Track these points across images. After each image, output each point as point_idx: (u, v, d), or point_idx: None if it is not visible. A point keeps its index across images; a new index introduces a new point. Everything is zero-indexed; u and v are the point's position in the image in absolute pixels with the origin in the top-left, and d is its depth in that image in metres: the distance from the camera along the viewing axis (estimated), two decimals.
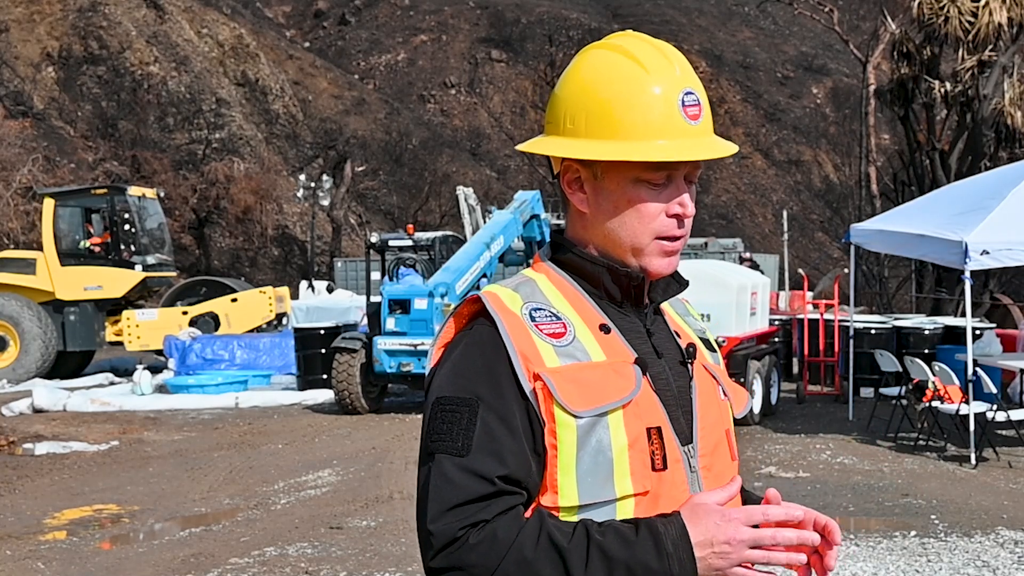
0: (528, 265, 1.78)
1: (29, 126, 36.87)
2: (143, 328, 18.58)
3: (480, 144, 59.79)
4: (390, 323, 12.74)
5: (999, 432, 10.35)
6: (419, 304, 12.63)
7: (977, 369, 9.72)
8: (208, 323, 19.03)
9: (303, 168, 42.25)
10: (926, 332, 13.72)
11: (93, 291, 18.51)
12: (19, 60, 41.72)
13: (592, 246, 1.63)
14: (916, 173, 19.78)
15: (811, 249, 52.52)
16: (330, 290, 25.12)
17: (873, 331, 13.72)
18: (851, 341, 12.70)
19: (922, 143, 19.61)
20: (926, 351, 12.87)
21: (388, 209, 48.33)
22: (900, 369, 10.71)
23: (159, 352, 18.06)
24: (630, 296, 1.62)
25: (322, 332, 15.15)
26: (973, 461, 9.30)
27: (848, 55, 38.44)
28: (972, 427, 9.31)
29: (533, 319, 1.55)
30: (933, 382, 9.97)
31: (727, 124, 62.06)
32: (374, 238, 15.11)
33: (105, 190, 19.85)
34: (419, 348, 12.41)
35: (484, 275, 13.43)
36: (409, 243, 14.64)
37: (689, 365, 1.65)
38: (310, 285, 26.12)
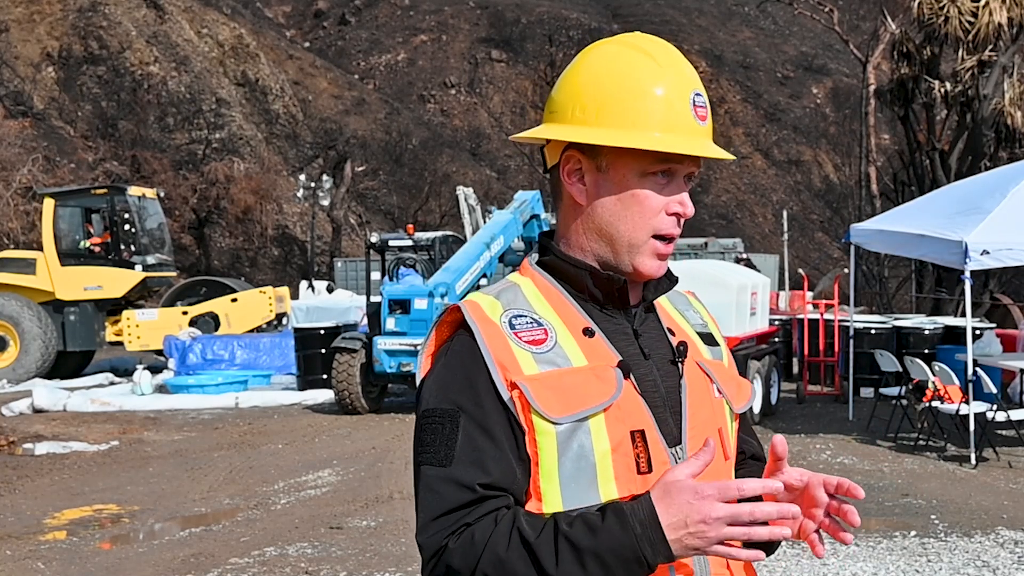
0: None
1: (29, 126, 36.88)
2: (143, 328, 18.58)
3: (480, 144, 59.79)
4: (390, 323, 12.74)
5: (999, 432, 10.36)
6: (419, 304, 12.62)
7: (977, 369, 9.72)
8: (208, 323, 19.03)
9: (303, 168, 42.26)
10: (926, 332, 13.72)
11: (93, 291, 18.52)
12: (19, 60, 41.73)
13: (583, 241, 1.62)
14: (916, 173, 19.78)
15: (811, 249, 52.52)
16: (330, 290, 25.11)
17: (873, 331, 13.72)
18: (851, 341, 12.70)
19: (922, 143, 19.62)
20: (926, 351, 12.87)
21: (388, 209, 48.33)
22: (900, 369, 10.71)
23: (159, 352, 18.06)
24: (613, 298, 1.61)
25: (322, 332, 15.15)
26: (973, 461, 9.30)
27: (848, 55, 38.45)
28: (972, 427, 9.31)
29: (513, 327, 1.55)
30: (933, 382, 9.97)
31: (727, 124, 62.07)
32: (374, 238, 15.11)
33: (105, 190, 19.85)
34: (419, 348, 12.40)
35: (484, 275, 13.42)
36: (409, 243, 14.64)
37: (679, 364, 1.63)
38: (310, 285, 26.11)
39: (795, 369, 15.43)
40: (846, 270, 16.31)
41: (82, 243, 18.92)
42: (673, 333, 1.68)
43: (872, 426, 11.19)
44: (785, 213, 40.44)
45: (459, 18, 68.88)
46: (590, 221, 1.61)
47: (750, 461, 1.80)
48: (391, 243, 14.82)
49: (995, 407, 9.60)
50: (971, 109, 18.20)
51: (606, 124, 1.57)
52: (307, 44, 68.53)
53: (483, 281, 13.34)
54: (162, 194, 21.92)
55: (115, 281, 18.57)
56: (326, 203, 37.89)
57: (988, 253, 9.31)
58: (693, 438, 1.59)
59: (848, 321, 12.96)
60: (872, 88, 25.21)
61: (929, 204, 11.75)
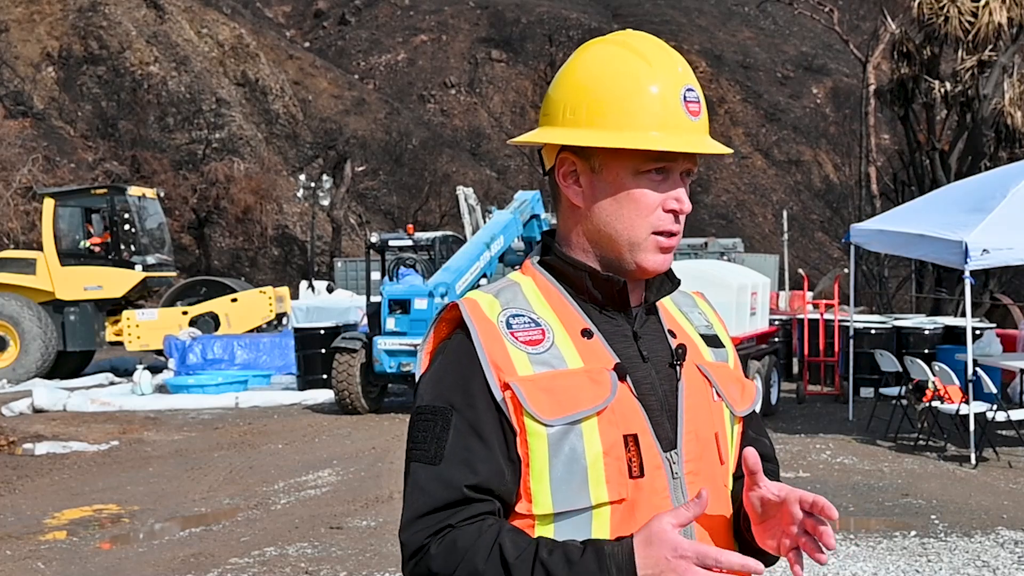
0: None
1: (29, 126, 36.88)
2: (143, 328, 18.58)
3: (480, 144, 59.79)
4: (390, 323, 12.74)
5: (999, 432, 10.35)
6: (419, 304, 12.62)
7: (977, 369, 9.72)
8: (208, 323, 19.03)
9: (303, 168, 42.26)
10: (926, 332, 13.72)
11: (93, 291, 18.52)
12: (19, 60, 41.73)
13: (584, 242, 1.61)
14: (916, 173, 19.78)
15: (811, 249, 52.53)
16: (330, 290, 25.10)
17: (873, 331, 13.72)
18: (851, 341, 12.70)
19: (922, 143, 19.62)
20: (926, 351, 12.87)
21: (388, 209, 48.33)
22: (900, 369, 10.71)
23: (159, 352, 18.06)
24: (613, 299, 1.60)
25: (322, 332, 15.15)
26: (973, 461, 9.30)
27: (848, 55, 38.44)
28: (972, 427, 9.31)
29: (510, 326, 1.54)
30: (933, 382, 9.97)
31: (727, 124, 62.06)
32: (374, 238, 15.11)
33: (105, 190, 19.85)
34: (419, 345, 12.39)
35: (484, 275, 13.42)
36: (409, 243, 14.64)
37: (678, 367, 1.62)
38: (310, 285, 26.11)
39: (795, 369, 15.43)
40: (846, 270, 16.32)
41: (82, 243, 18.92)
42: (674, 335, 1.66)
43: (872, 426, 11.19)
44: (785, 213, 40.42)
45: (459, 18, 68.87)
46: (588, 222, 1.60)
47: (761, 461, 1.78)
48: (391, 243, 14.83)
49: (995, 407, 9.60)
50: (971, 109, 18.20)
51: (597, 125, 1.57)
52: (307, 44, 68.52)
53: (483, 281, 13.34)
54: (162, 194, 21.92)
55: (115, 281, 18.57)
56: (326, 203, 37.88)
57: (988, 252, 9.30)
58: (689, 443, 1.58)
59: (848, 321, 12.95)
60: (872, 88, 25.23)
61: (929, 204, 11.75)
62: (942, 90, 18.26)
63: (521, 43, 66.24)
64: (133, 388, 15.77)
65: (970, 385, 9.45)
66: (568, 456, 1.49)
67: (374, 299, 13.60)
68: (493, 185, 51.73)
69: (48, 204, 18.88)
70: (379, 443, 11.13)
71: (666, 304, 1.72)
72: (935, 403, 9.96)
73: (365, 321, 14.04)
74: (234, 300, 19.60)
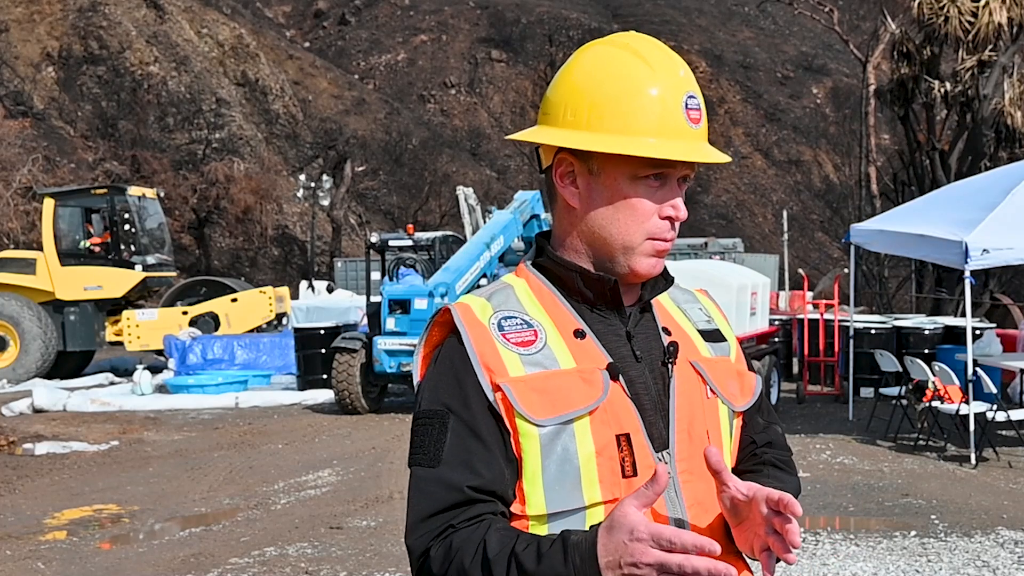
0: None
1: (29, 126, 36.87)
2: (143, 328, 18.58)
3: (480, 144, 59.78)
4: (390, 323, 12.75)
5: (999, 432, 10.35)
6: (419, 304, 12.63)
7: (977, 369, 9.72)
8: (208, 323, 19.03)
9: (303, 168, 42.26)
10: (926, 332, 13.72)
11: (93, 291, 18.51)
12: (19, 60, 41.72)
13: (578, 243, 1.61)
14: (916, 173, 19.78)
15: (811, 249, 52.52)
16: (330, 290, 25.10)
17: (873, 331, 13.72)
18: (851, 341, 12.70)
19: (922, 143, 19.62)
20: (926, 351, 12.87)
21: (388, 209, 48.33)
22: (900, 369, 10.71)
23: (159, 352, 18.06)
24: (605, 298, 1.60)
25: (322, 332, 15.15)
26: (973, 461, 9.30)
27: (848, 55, 38.44)
28: (972, 427, 9.31)
29: (501, 328, 1.55)
30: (933, 382, 9.97)
31: (727, 124, 62.07)
32: (374, 238, 15.11)
33: (105, 190, 19.85)
34: (415, 349, 12.39)
35: (484, 275, 13.43)
36: (409, 243, 14.64)
37: (669, 366, 1.61)
38: (310, 285, 26.11)
39: (795, 369, 15.42)
40: (846, 270, 16.32)
41: (82, 243, 18.92)
42: (669, 332, 1.66)
43: (872, 426, 11.19)
44: (785, 213, 40.43)
45: (459, 18, 68.86)
46: (584, 224, 1.60)
47: (767, 449, 1.76)
48: (391, 243, 14.83)
49: (995, 407, 9.60)
50: (971, 109, 18.20)
51: (598, 128, 1.56)
52: (307, 44, 68.53)
53: (483, 281, 13.34)
54: (162, 194, 21.91)
55: (115, 281, 18.57)
56: (326, 203, 37.88)
57: (988, 252, 9.30)
58: (681, 441, 1.58)
59: (848, 321, 12.95)
60: (872, 88, 25.22)
61: (929, 204, 11.75)
62: (942, 90, 18.25)
63: (521, 43, 66.23)
64: (133, 388, 15.77)
65: (970, 385, 9.45)
66: (560, 456, 1.50)
67: (374, 299, 13.60)
68: (493, 185, 51.73)
69: (48, 204, 18.88)
70: (379, 443, 11.13)
71: (662, 301, 1.71)
72: (935, 403, 9.96)
73: (365, 321, 14.04)
74: (234, 300, 19.60)
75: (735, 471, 1.70)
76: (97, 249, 18.80)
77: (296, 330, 15.90)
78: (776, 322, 14.90)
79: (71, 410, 14.33)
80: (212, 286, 21.44)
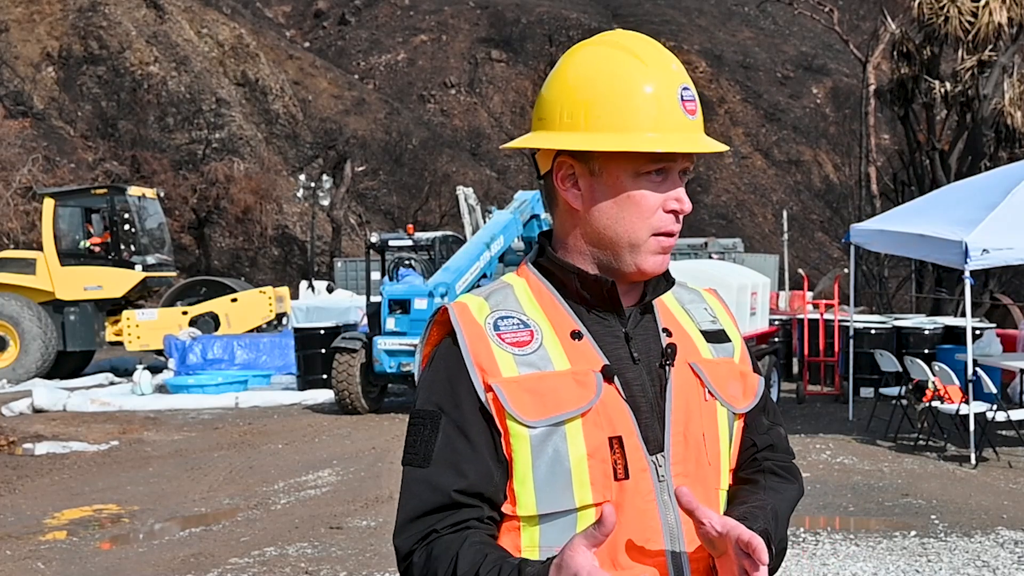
0: None
1: (29, 126, 36.86)
2: (143, 328, 18.58)
3: (480, 144, 59.78)
4: (390, 323, 12.75)
5: (999, 432, 10.35)
6: (419, 304, 12.63)
7: (977, 369, 9.72)
8: (208, 323, 19.03)
9: (303, 168, 42.24)
10: (926, 332, 13.72)
11: (93, 291, 18.51)
12: (19, 60, 41.72)
13: (582, 245, 1.61)
14: (916, 173, 19.78)
15: (811, 249, 52.50)
16: (330, 290, 25.11)
17: (873, 331, 13.72)
18: (851, 341, 12.69)
19: (922, 143, 19.62)
20: (926, 351, 12.87)
21: (388, 209, 48.33)
22: (900, 369, 10.70)
23: (159, 352, 18.06)
24: (603, 300, 1.59)
25: (322, 332, 15.15)
26: (973, 461, 9.30)
27: (848, 55, 38.44)
28: (972, 427, 9.31)
29: (497, 328, 1.55)
30: (933, 382, 9.96)
31: (727, 124, 62.06)
32: (374, 238, 15.11)
33: (105, 190, 19.85)
34: (416, 348, 12.40)
35: (484, 275, 13.43)
36: (409, 243, 14.64)
37: (667, 368, 1.60)
38: (310, 285, 26.11)
39: (795, 369, 15.42)
40: (846, 270, 16.31)
41: (82, 243, 18.92)
42: (670, 333, 1.65)
43: (872, 426, 11.19)
44: (785, 213, 40.43)
45: (459, 18, 68.86)
46: (588, 225, 1.60)
47: (768, 454, 1.73)
48: (391, 243, 14.83)
49: (995, 407, 9.60)
50: (971, 109, 18.20)
51: (595, 128, 1.56)
52: (307, 44, 68.52)
53: (483, 281, 13.34)
54: (162, 194, 21.92)
55: (115, 281, 18.57)
56: (326, 203, 37.86)
57: (988, 252, 9.30)
58: (676, 444, 1.57)
59: (848, 321, 12.95)
60: (872, 88, 25.23)
61: (929, 204, 11.75)
62: (942, 90, 18.25)
63: (521, 43, 66.23)
64: (133, 388, 15.77)
65: (970, 385, 9.45)
66: (551, 458, 1.49)
67: (374, 299, 13.60)
68: (493, 185, 51.72)
69: (48, 204, 18.88)
70: (379, 443, 11.13)
71: (665, 301, 1.70)
72: (935, 403, 9.96)
73: (365, 321, 14.04)
74: (234, 300, 19.60)
75: (735, 473, 1.70)
76: (97, 249, 18.80)
77: (296, 330, 15.90)
78: (776, 322, 14.90)
79: (71, 410, 14.33)
80: (212, 286, 21.44)
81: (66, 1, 44.27)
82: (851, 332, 12.66)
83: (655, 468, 1.54)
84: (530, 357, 1.53)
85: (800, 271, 22.71)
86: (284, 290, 20.90)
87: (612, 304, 1.60)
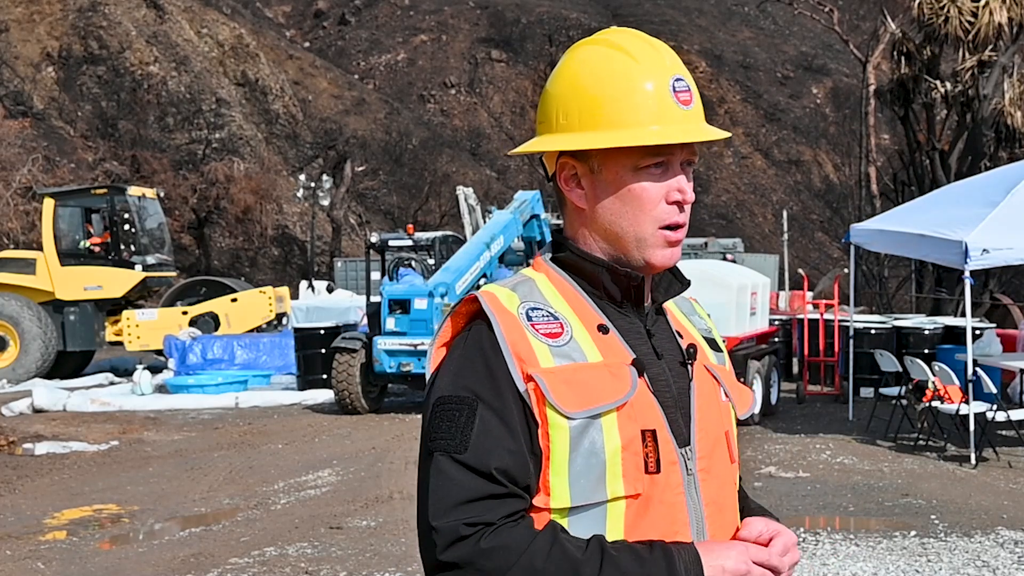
0: (528, 265, 1.77)
1: (29, 126, 36.85)
2: (143, 328, 18.57)
3: (480, 144, 59.78)
4: (390, 323, 12.74)
5: (999, 432, 10.35)
6: (419, 304, 12.63)
7: (977, 369, 9.72)
8: (208, 323, 19.03)
9: (303, 168, 42.24)
10: (926, 332, 13.72)
11: (93, 291, 18.51)
12: (19, 60, 41.71)
13: (593, 243, 1.62)
14: (916, 173, 19.78)
15: (811, 249, 52.51)
16: (330, 290, 25.11)
17: (873, 331, 13.72)
18: (851, 341, 12.69)
19: (922, 143, 19.62)
20: (926, 351, 12.86)
21: (388, 209, 48.33)
22: (900, 369, 10.70)
23: (159, 352, 18.06)
24: (630, 296, 1.61)
25: (322, 332, 15.15)
26: (973, 461, 9.30)
27: (848, 55, 38.43)
28: (972, 427, 9.31)
29: (530, 318, 1.55)
30: (933, 382, 9.96)
31: (727, 124, 62.00)
32: (374, 238, 15.12)
33: (105, 190, 19.85)
34: (419, 348, 12.42)
35: (484, 275, 13.43)
36: (409, 243, 14.65)
37: (689, 366, 1.63)
38: (310, 285, 26.11)
39: (795, 369, 15.42)
40: (846, 270, 16.31)
41: (82, 243, 18.92)
42: (682, 336, 1.69)
43: (872, 426, 11.19)
44: (785, 213, 40.43)
45: (459, 18, 68.86)
46: (594, 223, 1.61)
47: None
48: (391, 243, 14.83)
49: (995, 407, 9.60)
50: (971, 109, 18.20)
51: (591, 127, 1.58)
52: (307, 44, 68.53)
53: (483, 281, 13.34)
54: (162, 194, 21.91)
55: (115, 281, 18.56)
56: (326, 203, 37.86)
57: (988, 252, 9.30)
58: (702, 440, 1.60)
59: (848, 321, 12.95)
60: (872, 88, 25.23)
61: (929, 204, 11.75)
62: (942, 90, 18.26)
63: (521, 43, 66.23)
64: (133, 388, 15.77)
65: (970, 385, 9.45)
66: (588, 450, 1.50)
67: (374, 299, 13.60)
68: (493, 185, 51.72)
69: (48, 204, 18.88)
70: (379, 443, 11.13)
71: (670, 307, 1.73)
72: (935, 403, 9.96)
73: (365, 321, 14.04)
74: (234, 300, 19.60)
75: None
76: (97, 249, 18.80)
77: (296, 330, 15.90)
78: (776, 322, 14.89)
79: (71, 410, 14.33)
80: (212, 286, 21.44)
81: (66, 1, 44.26)
82: (851, 332, 12.66)
83: (684, 461, 1.56)
84: (564, 348, 1.53)
85: (800, 271, 22.72)
86: (284, 290, 20.90)
87: (637, 300, 1.62)
